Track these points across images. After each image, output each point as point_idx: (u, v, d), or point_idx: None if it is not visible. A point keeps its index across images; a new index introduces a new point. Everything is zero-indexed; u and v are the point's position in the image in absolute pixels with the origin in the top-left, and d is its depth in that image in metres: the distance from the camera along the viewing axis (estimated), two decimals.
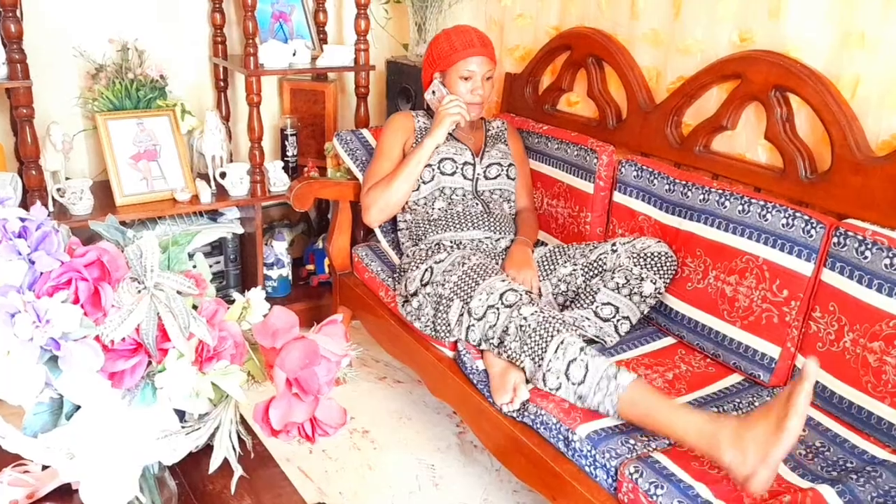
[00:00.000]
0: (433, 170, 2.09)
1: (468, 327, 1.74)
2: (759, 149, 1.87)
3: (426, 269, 1.91)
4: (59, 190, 2.22)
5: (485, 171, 2.14)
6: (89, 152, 2.53)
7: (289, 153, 2.71)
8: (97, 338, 0.82)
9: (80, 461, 0.90)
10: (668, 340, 1.85)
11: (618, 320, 1.80)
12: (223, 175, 2.46)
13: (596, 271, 1.89)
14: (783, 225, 1.61)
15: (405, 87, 2.66)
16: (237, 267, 2.59)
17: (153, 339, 0.84)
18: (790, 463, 1.38)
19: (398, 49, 2.95)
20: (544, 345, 1.56)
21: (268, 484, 1.20)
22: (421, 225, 2.09)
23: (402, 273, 2.05)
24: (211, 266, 2.52)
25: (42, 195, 2.15)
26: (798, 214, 1.59)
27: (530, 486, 1.62)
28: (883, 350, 1.43)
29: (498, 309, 1.67)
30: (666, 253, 1.82)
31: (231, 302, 0.96)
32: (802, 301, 1.59)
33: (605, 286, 1.82)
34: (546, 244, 2.21)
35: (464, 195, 2.10)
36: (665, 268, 1.81)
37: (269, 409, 0.90)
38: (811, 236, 1.56)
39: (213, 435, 0.94)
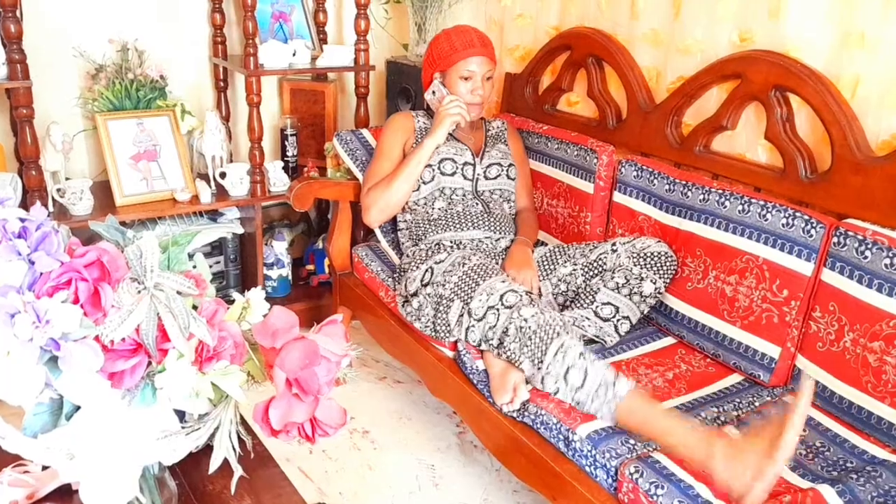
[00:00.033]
0: (433, 170, 2.09)
1: (468, 328, 1.74)
2: (759, 149, 1.87)
3: (426, 270, 1.91)
4: (59, 190, 2.22)
5: (485, 172, 2.14)
6: (89, 152, 2.53)
7: (289, 153, 2.71)
8: (97, 338, 0.82)
9: (79, 461, 0.90)
10: (668, 340, 1.85)
11: (618, 320, 1.80)
12: (223, 175, 2.46)
13: (596, 271, 1.89)
14: (783, 225, 1.61)
15: (405, 87, 2.66)
16: (237, 267, 2.59)
17: (153, 339, 0.84)
18: (790, 463, 1.38)
19: (398, 49, 2.95)
20: (544, 347, 1.56)
21: (268, 484, 1.20)
22: (421, 225, 2.09)
23: (402, 273, 2.05)
24: (211, 266, 2.52)
25: (42, 195, 2.15)
26: (798, 214, 1.59)
27: (530, 486, 1.62)
28: (883, 350, 1.43)
29: (498, 310, 1.67)
30: (666, 253, 1.82)
31: (231, 302, 0.96)
32: (802, 301, 1.59)
33: (605, 286, 1.82)
34: (546, 244, 2.21)
35: (464, 195, 2.10)
36: (665, 268, 1.81)
37: (269, 410, 0.90)
38: (811, 236, 1.56)
39: (213, 435, 0.94)
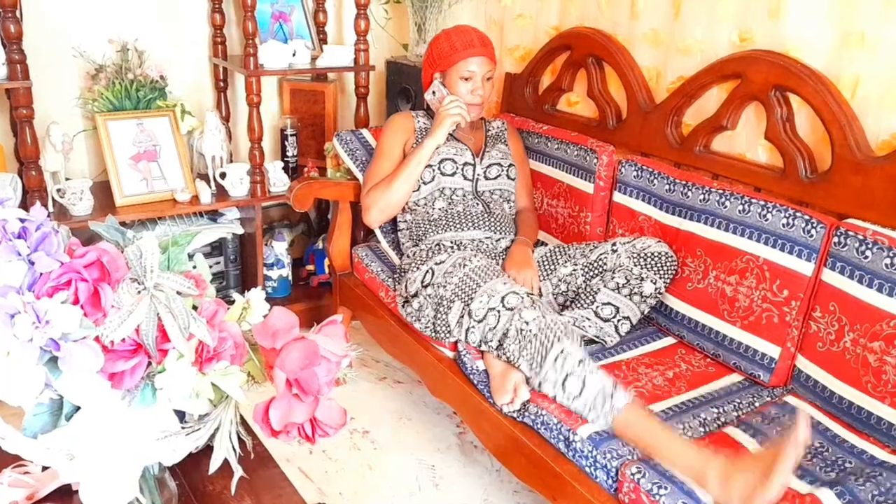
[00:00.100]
0: (433, 170, 2.09)
1: (468, 329, 1.74)
2: (759, 149, 1.87)
3: (427, 271, 1.91)
4: (58, 190, 2.21)
5: (485, 172, 2.14)
6: (89, 153, 2.53)
7: (289, 153, 2.71)
8: (97, 338, 0.82)
9: (79, 462, 0.90)
10: (668, 340, 1.85)
11: (618, 320, 1.80)
12: (223, 175, 2.46)
13: (596, 271, 1.89)
14: (783, 225, 1.61)
15: (405, 87, 2.66)
16: (237, 267, 2.59)
17: (153, 339, 0.84)
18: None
19: (398, 49, 2.95)
20: (544, 352, 1.55)
21: (268, 484, 1.20)
22: (421, 225, 2.09)
23: (403, 274, 2.05)
24: (211, 266, 2.52)
25: (42, 196, 2.15)
26: (798, 214, 1.59)
27: (531, 486, 1.62)
28: (883, 350, 1.43)
29: (499, 312, 1.66)
30: (666, 253, 1.82)
31: (231, 302, 0.96)
32: (803, 301, 1.59)
33: (605, 286, 1.82)
34: (546, 244, 2.21)
35: (464, 195, 2.10)
36: (665, 268, 1.81)
37: (269, 410, 0.90)
38: (811, 236, 1.56)
39: (213, 436, 0.94)
